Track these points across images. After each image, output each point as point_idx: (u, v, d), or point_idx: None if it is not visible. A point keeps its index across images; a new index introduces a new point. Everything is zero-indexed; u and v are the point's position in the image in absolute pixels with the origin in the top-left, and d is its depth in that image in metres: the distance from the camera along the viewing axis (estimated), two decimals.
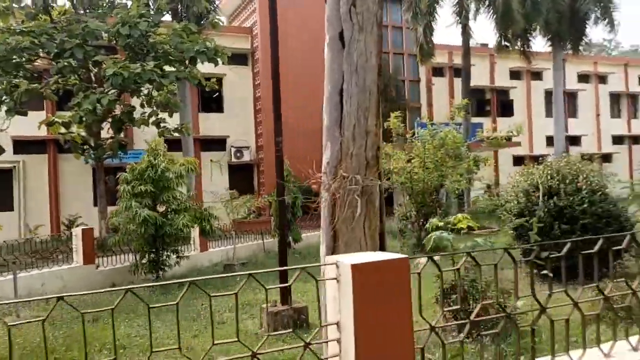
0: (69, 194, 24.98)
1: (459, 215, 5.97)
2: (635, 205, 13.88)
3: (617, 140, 39.84)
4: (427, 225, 6.44)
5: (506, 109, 36.37)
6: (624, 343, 3.27)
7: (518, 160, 37.08)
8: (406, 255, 2.37)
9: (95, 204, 22.38)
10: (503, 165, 36.56)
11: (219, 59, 18.56)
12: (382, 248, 4.17)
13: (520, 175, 10.62)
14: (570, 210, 9.33)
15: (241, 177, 28.82)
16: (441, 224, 6.30)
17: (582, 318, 3.12)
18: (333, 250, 4.06)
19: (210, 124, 28.10)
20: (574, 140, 38.29)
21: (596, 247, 3.04)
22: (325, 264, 2.47)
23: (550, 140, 33.84)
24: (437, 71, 34.21)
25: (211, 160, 28.15)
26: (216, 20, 21.84)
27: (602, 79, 39.65)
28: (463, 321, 2.82)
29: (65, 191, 25.05)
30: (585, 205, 9.27)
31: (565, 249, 2.97)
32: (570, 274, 2.90)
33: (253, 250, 15.48)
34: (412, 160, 14.74)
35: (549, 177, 9.85)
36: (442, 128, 22.08)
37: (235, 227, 24.83)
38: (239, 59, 29.03)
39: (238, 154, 28.31)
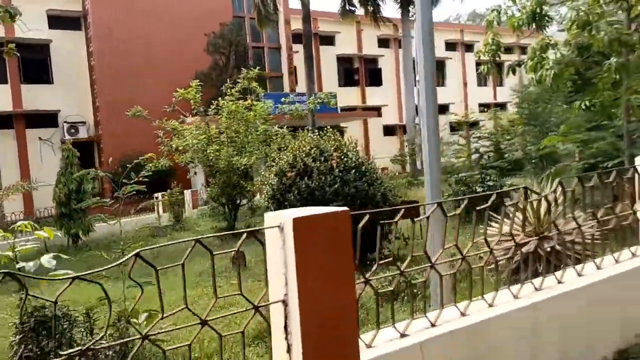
0: None
1: (21, 223, 4.22)
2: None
3: (484, 107, 40.92)
4: None
5: (375, 77, 35.86)
6: None
7: (389, 130, 37.01)
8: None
9: None
10: (376, 136, 36.36)
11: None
12: None
13: (277, 153, 9.26)
14: (322, 192, 8.11)
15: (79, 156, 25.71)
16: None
17: None
18: None
19: (36, 97, 24.66)
20: (442, 109, 38.71)
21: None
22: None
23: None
24: (302, 38, 32.68)
25: (40, 139, 24.89)
26: None
27: (469, 47, 40.26)
28: None
29: None
30: (337, 186, 8.08)
31: None
32: None
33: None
34: (220, 136, 13.12)
35: (303, 155, 8.55)
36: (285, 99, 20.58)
37: None
38: (68, 22, 25.67)
39: (72, 131, 25.20)
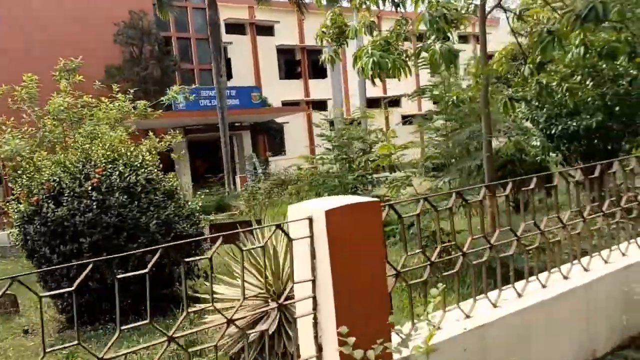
0: None
1: None
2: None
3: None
4: None
5: (319, 69, 33.76)
6: None
7: (333, 125, 35.05)
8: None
9: None
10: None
11: None
12: None
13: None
14: (73, 222, 6.08)
15: None
16: None
17: None
18: None
19: None
20: (394, 102, 36.87)
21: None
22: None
23: (371, 102, 31.97)
24: (237, 28, 30.48)
25: None
26: None
27: (420, 37, 38.35)
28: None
29: None
30: (91, 214, 6.05)
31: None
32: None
33: None
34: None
35: (59, 170, 6.51)
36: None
37: None
38: None
39: None
